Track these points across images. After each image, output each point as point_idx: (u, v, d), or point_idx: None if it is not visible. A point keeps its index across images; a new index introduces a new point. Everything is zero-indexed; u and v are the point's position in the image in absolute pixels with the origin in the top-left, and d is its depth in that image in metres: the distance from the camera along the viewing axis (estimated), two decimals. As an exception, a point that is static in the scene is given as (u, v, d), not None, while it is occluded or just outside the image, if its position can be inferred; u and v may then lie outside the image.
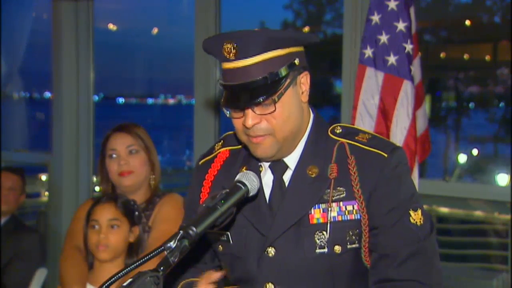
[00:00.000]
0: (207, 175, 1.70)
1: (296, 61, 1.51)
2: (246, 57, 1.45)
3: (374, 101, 2.74)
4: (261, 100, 1.46)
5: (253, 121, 1.49)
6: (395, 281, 1.50)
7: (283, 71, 1.48)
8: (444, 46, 4.98)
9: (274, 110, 1.48)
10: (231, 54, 1.46)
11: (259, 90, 1.46)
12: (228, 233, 1.63)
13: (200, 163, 1.76)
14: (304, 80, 1.56)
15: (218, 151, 1.73)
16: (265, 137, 1.51)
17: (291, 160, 1.60)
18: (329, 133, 1.62)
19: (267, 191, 1.61)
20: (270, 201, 1.60)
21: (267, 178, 1.62)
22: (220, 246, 1.67)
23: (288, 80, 1.49)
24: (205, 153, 1.79)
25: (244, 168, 1.61)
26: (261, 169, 1.63)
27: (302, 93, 1.56)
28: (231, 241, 1.64)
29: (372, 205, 1.53)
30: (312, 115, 1.64)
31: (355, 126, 1.71)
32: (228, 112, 1.53)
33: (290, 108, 1.51)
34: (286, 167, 1.60)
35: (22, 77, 5.06)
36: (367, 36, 2.75)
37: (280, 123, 1.50)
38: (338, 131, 1.62)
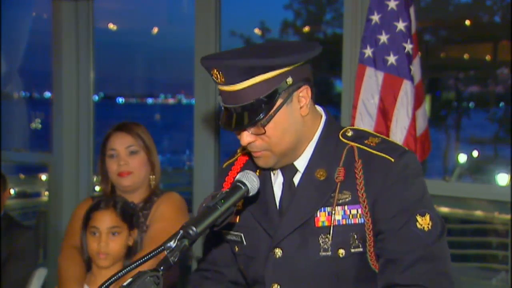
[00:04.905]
0: (227, 178, 1.73)
1: (289, 80, 1.47)
2: (233, 83, 1.46)
3: (374, 101, 2.74)
4: (247, 126, 1.48)
5: (247, 140, 1.52)
6: (400, 286, 1.49)
7: (272, 95, 1.46)
8: (444, 46, 4.98)
9: (264, 133, 1.50)
10: (219, 80, 1.47)
11: (248, 114, 1.47)
12: (242, 234, 1.66)
13: (223, 166, 1.80)
14: (304, 94, 1.53)
15: (239, 154, 1.77)
16: (262, 153, 1.54)
17: (301, 163, 1.61)
18: (340, 136, 1.61)
19: (278, 193, 1.63)
20: (281, 203, 1.61)
21: (279, 180, 1.64)
22: (236, 247, 1.70)
23: (280, 101, 1.48)
24: (229, 157, 1.82)
25: (258, 171, 1.63)
26: (274, 172, 1.65)
27: (301, 107, 1.53)
28: (244, 242, 1.66)
29: (378, 209, 1.52)
30: (324, 118, 1.63)
31: (366, 130, 1.69)
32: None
33: (284, 127, 1.51)
34: (296, 170, 1.61)
35: (22, 77, 5.05)
36: (367, 36, 2.75)
37: (275, 141, 1.52)
38: (349, 134, 1.61)
